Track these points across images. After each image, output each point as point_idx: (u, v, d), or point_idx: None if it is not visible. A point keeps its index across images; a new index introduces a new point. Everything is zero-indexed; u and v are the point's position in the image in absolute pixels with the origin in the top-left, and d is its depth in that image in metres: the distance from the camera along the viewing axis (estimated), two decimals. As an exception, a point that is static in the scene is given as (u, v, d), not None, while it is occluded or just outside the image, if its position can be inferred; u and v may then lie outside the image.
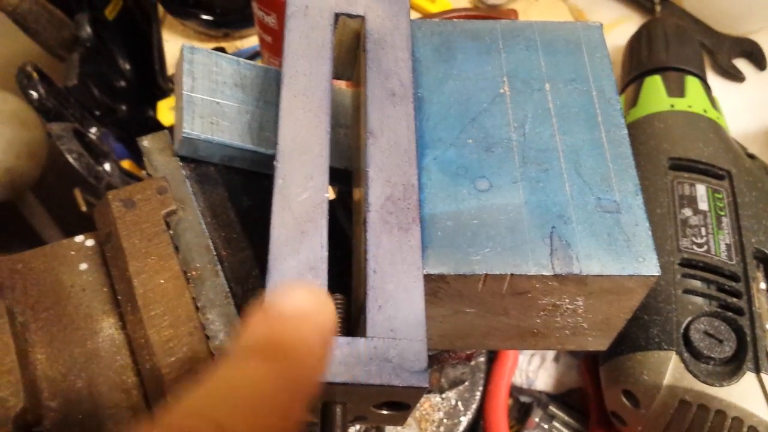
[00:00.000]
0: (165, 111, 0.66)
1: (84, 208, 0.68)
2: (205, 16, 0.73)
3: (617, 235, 0.33)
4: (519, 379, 0.56)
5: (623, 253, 0.32)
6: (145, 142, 0.40)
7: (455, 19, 0.40)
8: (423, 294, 0.31)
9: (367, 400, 0.30)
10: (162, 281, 0.36)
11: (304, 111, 0.35)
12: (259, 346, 0.22)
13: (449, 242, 0.32)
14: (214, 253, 0.38)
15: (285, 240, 0.31)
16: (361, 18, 0.39)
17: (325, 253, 0.31)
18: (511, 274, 0.32)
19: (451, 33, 0.39)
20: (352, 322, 0.32)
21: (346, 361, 0.28)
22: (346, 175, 0.41)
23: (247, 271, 0.38)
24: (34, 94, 0.67)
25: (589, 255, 0.32)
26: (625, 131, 0.36)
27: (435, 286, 0.32)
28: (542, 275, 0.32)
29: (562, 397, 0.56)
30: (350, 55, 0.41)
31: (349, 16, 0.39)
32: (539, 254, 0.32)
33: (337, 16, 0.38)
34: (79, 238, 0.40)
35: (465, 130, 0.36)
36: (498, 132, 0.36)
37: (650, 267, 0.32)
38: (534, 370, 0.55)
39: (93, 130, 0.73)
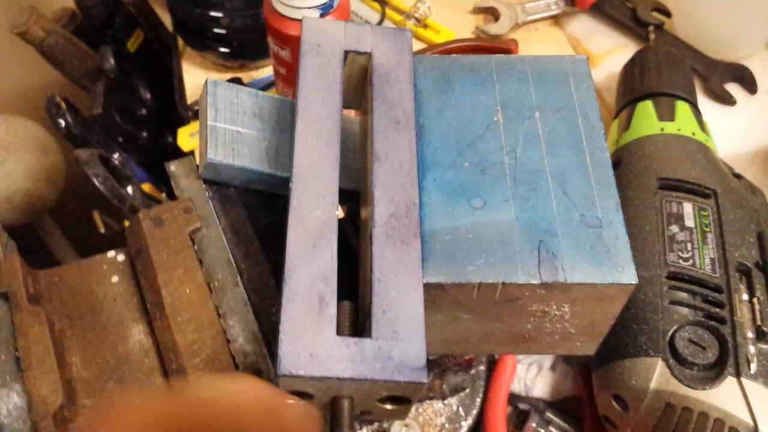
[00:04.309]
0: (185, 137, 0.70)
1: (102, 230, 0.71)
2: (222, 49, 0.76)
3: (599, 247, 0.36)
4: (517, 387, 0.58)
5: (604, 263, 0.36)
6: (173, 166, 0.44)
7: (453, 55, 0.44)
8: (422, 300, 0.34)
9: (372, 395, 0.33)
10: (188, 291, 0.40)
11: (316, 139, 0.39)
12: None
13: (447, 254, 0.36)
14: (234, 266, 0.41)
15: (299, 252, 0.35)
16: (369, 55, 0.42)
17: (335, 264, 0.35)
18: (503, 283, 0.35)
19: (449, 67, 0.43)
20: (360, 325, 0.36)
21: (354, 358, 0.32)
22: (354, 195, 0.44)
23: (264, 282, 0.41)
24: (62, 123, 0.70)
25: (573, 265, 0.35)
26: (608, 154, 0.40)
27: (434, 293, 0.36)
28: (530, 283, 0.35)
29: (559, 405, 0.58)
30: (359, 88, 0.45)
31: (358, 53, 0.43)
32: (528, 265, 0.36)
33: (346, 53, 0.42)
34: (111, 254, 0.44)
35: (462, 154, 0.40)
36: (492, 156, 0.40)
37: (629, 276, 0.35)
38: (532, 378, 0.58)
39: (116, 155, 0.77)
